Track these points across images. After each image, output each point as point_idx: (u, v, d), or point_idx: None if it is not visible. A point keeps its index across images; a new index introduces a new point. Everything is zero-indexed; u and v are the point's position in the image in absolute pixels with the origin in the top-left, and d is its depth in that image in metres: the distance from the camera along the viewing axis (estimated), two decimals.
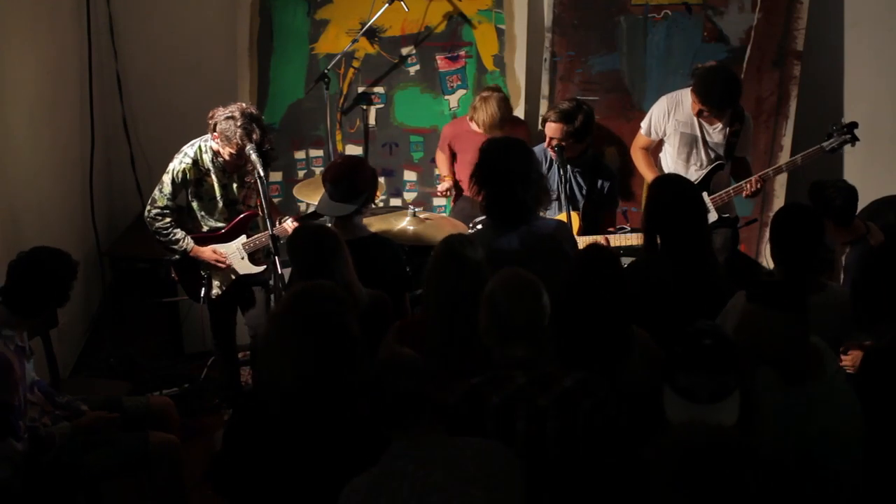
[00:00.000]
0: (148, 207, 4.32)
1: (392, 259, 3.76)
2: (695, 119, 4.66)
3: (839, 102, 5.65)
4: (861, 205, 4.23)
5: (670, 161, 4.77)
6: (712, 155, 4.69)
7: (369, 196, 3.79)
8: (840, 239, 4.06)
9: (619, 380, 2.79)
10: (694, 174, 4.68)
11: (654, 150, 4.92)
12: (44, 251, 3.47)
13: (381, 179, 4.61)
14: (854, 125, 4.49)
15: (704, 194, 4.56)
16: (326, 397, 2.64)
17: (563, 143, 4.40)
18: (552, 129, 4.42)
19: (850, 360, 3.24)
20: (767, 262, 5.41)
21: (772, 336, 2.65)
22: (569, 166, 4.41)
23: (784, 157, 5.46)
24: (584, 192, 4.52)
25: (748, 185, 4.57)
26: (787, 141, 5.47)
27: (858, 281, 3.29)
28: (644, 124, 4.84)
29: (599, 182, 4.53)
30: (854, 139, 4.50)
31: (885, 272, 3.12)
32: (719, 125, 4.67)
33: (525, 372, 2.65)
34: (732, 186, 4.64)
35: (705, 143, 4.68)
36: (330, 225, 3.76)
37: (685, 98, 4.71)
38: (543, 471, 2.61)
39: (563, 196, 4.39)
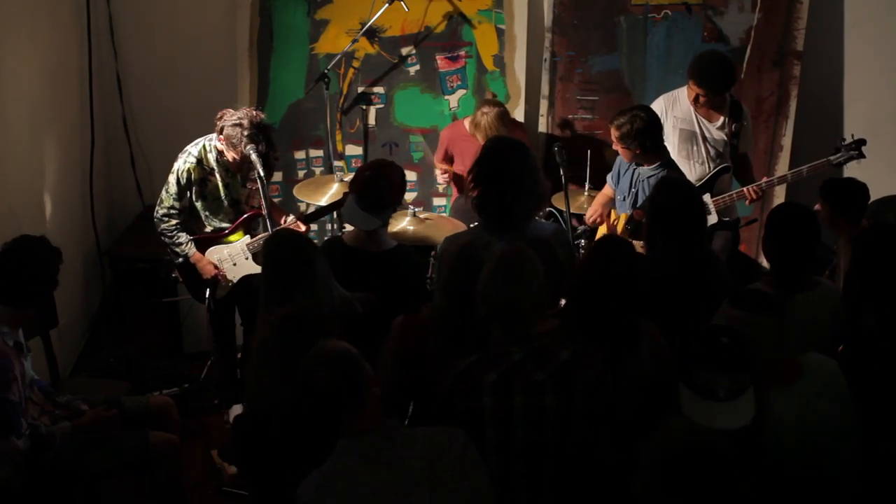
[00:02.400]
0: (156, 208, 4.36)
1: (413, 273, 3.70)
2: (693, 115, 4.68)
3: (839, 102, 5.65)
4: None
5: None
6: (713, 152, 4.70)
7: (397, 206, 3.75)
8: (847, 235, 4.07)
9: (627, 370, 2.80)
10: (697, 170, 4.68)
11: None
12: (25, 239, 3.46)
13: None
14: (862, 142, 4.50)
15: (707, 196, 4.57)
16: (323, 420, 2.62)
17: (620, 148, 4.37)
18: (612, 130, 4.38)
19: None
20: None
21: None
22: (637, 169, 4.39)
23: (784, 158, 5.46)
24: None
25: (750, 192, 4.57)
26: (787, 141, 5.47)
27: (848, 273, 3.32)
28: None
29: None
30: (861, 156, 4.51)
31: (870, 263, 3.16)
32: (718, 121, 4.68)
33: (521, 347, 2.66)
34: (735, 191, 4.64)
35: (705, 138, 4.69)
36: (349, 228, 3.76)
37: (681, 94, 4.73)
38: (542, 446, 2.61)
39: (628, 199, 4.42)
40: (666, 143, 4.80)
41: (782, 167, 5.40)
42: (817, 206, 4.10)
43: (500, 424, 2.62)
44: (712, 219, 4.52)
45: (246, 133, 4.11)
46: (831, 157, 4.54)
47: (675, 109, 4.73)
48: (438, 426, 2.51)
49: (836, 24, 5.52)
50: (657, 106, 4.79)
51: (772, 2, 5.35)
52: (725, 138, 4.69)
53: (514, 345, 2.67)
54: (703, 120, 4.69)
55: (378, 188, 3.60)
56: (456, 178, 5.20)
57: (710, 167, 4.68)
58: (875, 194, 5.08)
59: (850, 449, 2.70)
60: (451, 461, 2.41)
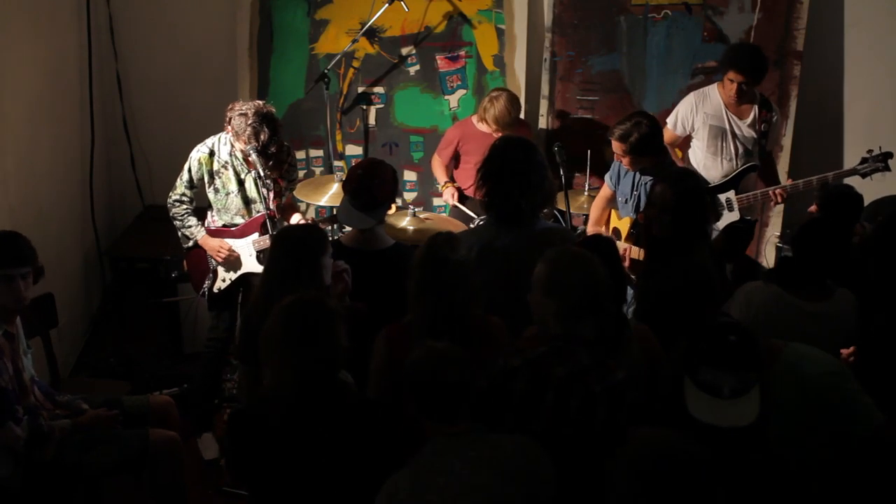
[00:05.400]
0: (169, 193, 4.40)
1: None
2: (724, 111, 4.71)
3: (839, 102, 5.65)
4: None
5: (699, 155, 4.80)
6: (741, 149, 4.72)
7: (391, 203, 3.74)
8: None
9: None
10: (725, 166, 4.70)
11: (680, 145, 4.93)
12: None
13: None
14: (889, 154, 4.55)
15: (732, 193, 4.59)
16: (322, 407, 2.64)
17: (628, 160, 4.32)
18: (613, 146, 4.32)
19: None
20: (768, 262, 5.41)
21: None
22: (639, 174, 4.36)
23: (784, 157, 5.46)
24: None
25: (776, 195, 4.63)
26: (787, 141, 5.47)
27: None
28: (670, 119, 4.85)
29: None
30: (887, 168, 4.56)
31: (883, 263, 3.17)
32: (749, 118, 4.71)
33: (589, 352, 2.66)
34: (760, 191, 4.66)
35: (734, 135, 4.71)
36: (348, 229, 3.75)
37: (712, 91, 4.76)
38: (581, 448, 2.62)
39: (630, 202, 4.40)
40: (695, 139, 4.82)
41: (782, 167, 5.39)
42: (811, 208, 4.13)
43: (552, 420, 2.63)
44: (734, 215, 4.54)
45: (249, 122, 4.13)
46: (858, 167, 4.59)
47: (705, 106, 4.76)
48: (517, 435, 2.53)
49: (836, 24, 5.52)
50: (688, 101, 4.83)
51: (772, 2, 5.36)
52: (755, 135, 4.71)
53: (583, 346, 2.66)
54: (734, 116, 4.71)
55: (371, 186, 3.60)
56: (463, 177, 5.19)
57: (737, 164, 4.71)
58: (875, 194, 5.11)
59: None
60: (538, 465, 2.45)
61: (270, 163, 4.26)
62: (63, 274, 4.84)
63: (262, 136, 4.15)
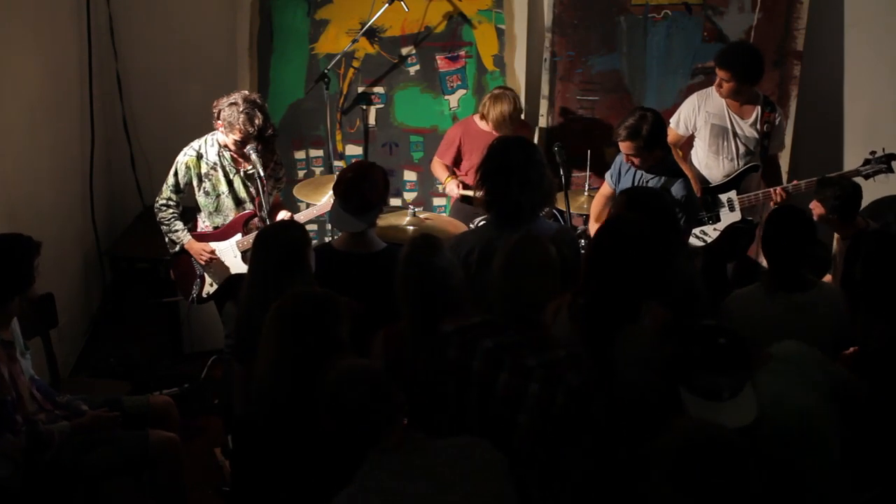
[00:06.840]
0: (156, 198, 4.42)
1: None
2: (725, 110, 4.72)
3: (839, 102, 5.65)
4: (861, 205, 4.25)
5: (701, 155, 4.81)
6: (742, 149, 4.72)
7: (382, 206, 3.72)
8: (842, 234, 4.10)
9: (622, 346, 2.82)
10: (726, 166, 4.70)
11: (682, 145, 4.93)
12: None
13: None
14: (892, 156, 4.56)
15: (733, 193, 4.58)
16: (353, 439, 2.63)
17: (634, 160, 4.25)
18: (623, 146, 4.23)
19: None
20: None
21: None
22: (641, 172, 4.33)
23: (784, 157, 5.45)
24: None
25: (776, 195, 4.62)
26: (787, 141, 5.46)
27: (852, 276, 3.33)
28: (673, 119, 4.86)
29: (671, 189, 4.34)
30: (890, 170, 4.58)
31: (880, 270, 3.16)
32: (751, 118, 4.71)
33: (520, 331, 2.70)
34: (762, 191, 4.66)
35: (735, 135, 4.71)
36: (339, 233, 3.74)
37: (714, 92, 4.76)
38: (512, 427, 2.62)
39: None
40: (697, 138, 4.83)
41: (782, 167, 5.40)
42: (812, 205, 4.14)
43: (481, 390, 2.65)
44: (735, 216, 4.55)
45: (241, 109, 4.16)
46: (861, 168, 4.60)
47: (707, 105, 4.77)
48: (462, 436, 2.51)
49: (836, 24, 5.52)
50: (690, 101, 4.84)
51: (772, 2, 5.35)
52: (757, 136, 4.72)
53: (516, 328, 2.71)
54: (735, 116, 4.72)
55: (361, 190, 3.58)
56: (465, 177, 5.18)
57: (738, 164, 4.72)
58: (875, 195, 5.12)
59: (824, 440, 2.69)
60: (476, 467, 2.41)
61: (267, 154, 4.26)
62: (63, 274, 4.84)
63: (256, 121, 4.18)
